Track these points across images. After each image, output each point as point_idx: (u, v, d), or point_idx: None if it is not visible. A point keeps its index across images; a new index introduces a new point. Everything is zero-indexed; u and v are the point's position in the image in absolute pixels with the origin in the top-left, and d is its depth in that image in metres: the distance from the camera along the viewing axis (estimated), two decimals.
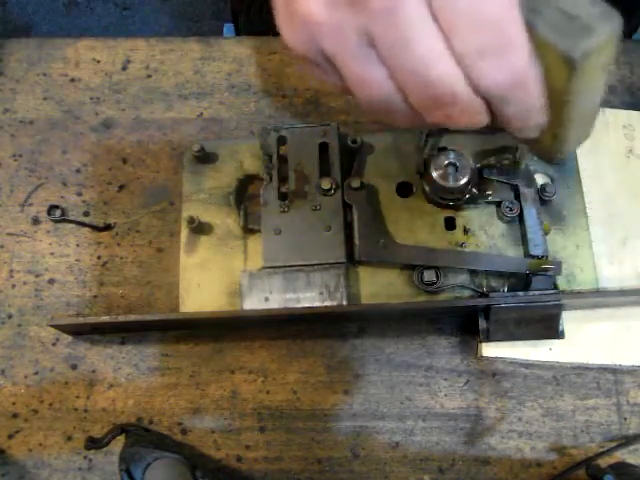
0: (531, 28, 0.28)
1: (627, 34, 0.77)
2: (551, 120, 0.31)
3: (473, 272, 0.47)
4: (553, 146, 0.33)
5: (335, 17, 0.28)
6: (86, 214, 0.52)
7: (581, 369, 0.49)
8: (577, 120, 0.32)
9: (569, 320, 0.47)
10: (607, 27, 0.28)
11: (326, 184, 0.47)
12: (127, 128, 0.55)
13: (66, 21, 1.47)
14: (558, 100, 0.30)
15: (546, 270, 0.46)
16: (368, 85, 0.31)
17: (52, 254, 0.51)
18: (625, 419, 0.48)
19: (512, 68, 0.28)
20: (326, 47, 0.30)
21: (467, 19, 0.27)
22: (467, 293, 0.47)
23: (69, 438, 0.48)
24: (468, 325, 0.49)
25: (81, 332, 0.49)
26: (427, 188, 0.48)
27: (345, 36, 0.29)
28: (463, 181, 0.46)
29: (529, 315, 0.45)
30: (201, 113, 0.55)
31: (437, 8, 0.27)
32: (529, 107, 0.30)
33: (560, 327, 0.46)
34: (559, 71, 0.28)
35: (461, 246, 0.47)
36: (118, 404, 0.48)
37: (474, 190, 0.47)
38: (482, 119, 0.31)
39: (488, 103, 0.30)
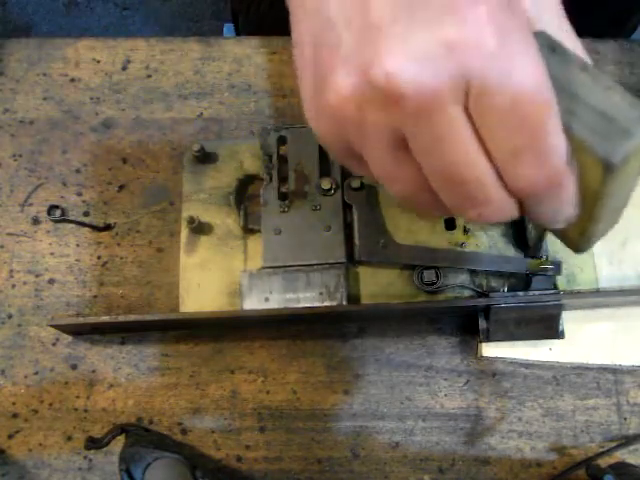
0: (567, 129, 0.27)
1: (627, 34, 0.77)
2: (581, 216, 0.31)
3: (473, 272, 0.47)
4: (580, 238, 0.33)
5: (366, 114, 0.27)
6: (86, 214, 0.52)
7: (581, 369, 0.49)
8: (607, 216, 0.31)
9: (569, 320, 0.47)
10: None
11: (326, 184, 0.47)
12: (127, 128, 0.55)
13: (66, 21, 1.47)
14: (591, 199, 0.29)
15: (546, 270, 0.46)
16: (398, 182, 0.30)
17: (52, 254, 0.51)
18: (625, 419, 0.48)
19: (548, 171, 0.27)
20: (355, 142, 0.29)
21: (504, 120, 0.26)
22: (467, 293, 0.47)
23: (69, 438, 0.48)
24: (468, 325, 0.49)
25: (81, 332, 0.49)
26: None
27: (375, 134, 0.27)
28: None
29: (529, 315, 0.45)
30: (201, 113, 0.55)
31: (473, 109, 0.26)
32: (562, 207, 0.30)
33: (560, 327, 0.46)
34: (594, 172, 0.28)
35: (461, 246, 0.47)
36: (118, 404, 0.48)
37: None
38: (514, 215, 0.31)
39: (520, 201, 0.30)
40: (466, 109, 0.26)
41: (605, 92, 0.28)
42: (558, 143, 0.27)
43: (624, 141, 0.27)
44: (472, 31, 0.25)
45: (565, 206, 0.30)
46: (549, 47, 0.28)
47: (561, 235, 0.34)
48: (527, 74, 0.25)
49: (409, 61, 0.25)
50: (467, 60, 0.25)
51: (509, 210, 0.30)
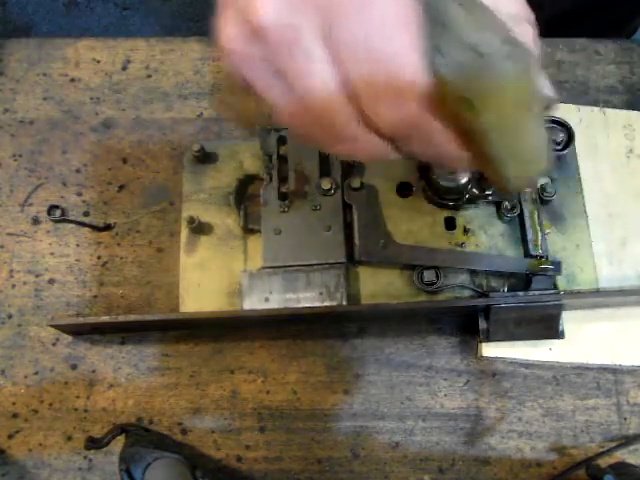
0: (432, 64, 0.27)
1: (627, 35, 0.77)
2: (479, 155, 0.30)
3: (473, 272, 0.47)
4: (499, 180, 0.32)
5: (247, 48, 0.29)
6: (86, 214, 0.52)
7: (581, 369, 0.49)
8: (506, 156, 0.30)
9: (569, 320, 0.47)
10: (514, 67, 0.26)
11: (326, 184, 0.47)
12: (127, 128, 0.55)
13: (66, 21, 1.47)
14: (475, 137, 0.28)
15: (546, 270, 0.46)
16: (282, 113, 0.31)
17: (52, 254, 0.51)
18: (625, 419, 0.48)
19: (405, 109, 0.28)
20: (245, 76, 0.30)
21: (359, 53, 0.27)
22: (467, 293, 0.47)
23: (69, 438, 0.48)
24: (468, 325, 0.49)
25: (81, 332, 0.49)
26: (427, 188, 0.48)
27: (256, 66, 0.29)
28: (463, 181, 0.46)
29: (529, 315, 0.45)
30: (201, 113, 0.55)
31: (333, 44, 0.27)
32: (435, 146, 0.30)
33: (560, 327, 0.46)
34: (461, 107, 0.27)
35: (461, 246, 0.47)
36: (118, 404, 0.48)
37: (474, 190, 0.47)
38: (388, 154, 0.31)
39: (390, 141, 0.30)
40: (329, 45, 0.27)
41: (478, 25, 0.27)
42: (414, 80, 0.27)
43: (484, 78, 0.26)
44: None
45: (438, 145, 0.30)
46: None
47: (490, 178, 0.33)
48: (386, 10, 0.26)
49: (274, 3, 0.27)
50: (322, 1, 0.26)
51: (378, 148, 0.30)
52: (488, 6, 0.28)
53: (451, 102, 0.27)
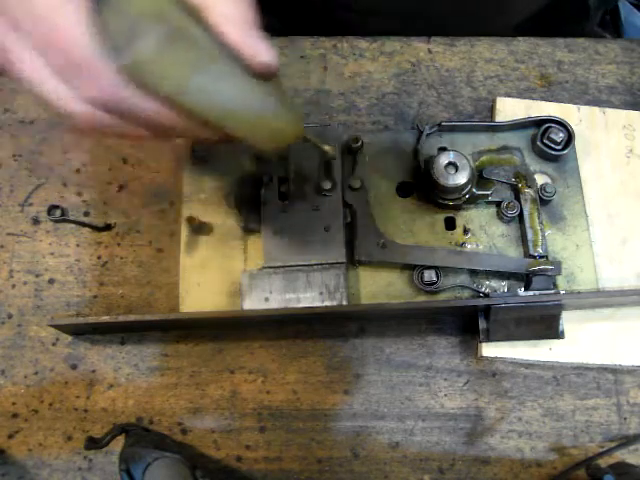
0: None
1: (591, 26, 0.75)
2: (206, 125, 0.33)
3: (473, 272, 0.47)
4: (247, 143, 0.35)
5: None
6: (86, 214, 0.52)
7: (581, 369, 0.49)
8: (230, 121, 0.33)
9: (569, 320, 0.47)
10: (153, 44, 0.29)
11: (326, 184, 0.47)
12: None
13: None
14: (183, 106, 0.31)
15: (546, 270, 0.46)
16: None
17: (52, 254, 0.51)
18: (625, 419, 0.48)
19: (99, 87, 0.30)
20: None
21: (37, 42, 0.29)
22: (467, 293, 0.47)
23: (69, 438, 0.48)
24: (468, 325, 0.49)
25: (81, 332, 0.49)
26: (427, 188, 0.48)
27: None
28: (463, 181, 0.46)
29: (529, 315, 0.45)
30: None
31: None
32: (151, 118, 0.32)
33: (560, 327, 0.46)
34: (150, 84, 0.30)
35: (461, 246, 0.47)
36: (118, 404, 0.48)
37: (474, 190, 0.47)
38: (107, 124, 0.32)
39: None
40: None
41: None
42: (96, 66, 0.29)
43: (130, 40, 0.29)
44: None
45: (153, 117, 0.32)
46: None
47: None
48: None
49: None
50: None
51: (96, 119, 0.32)
52: None
53: (136, 80, 0.30)
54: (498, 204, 0.48)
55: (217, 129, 0.33)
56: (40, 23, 0.29)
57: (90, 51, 0.29)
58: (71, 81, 0.30)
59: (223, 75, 0.32)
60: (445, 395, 0.48)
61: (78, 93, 0.31)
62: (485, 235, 0.48)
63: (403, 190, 0.49)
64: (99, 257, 0.51)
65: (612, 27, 0.83)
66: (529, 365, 0.49)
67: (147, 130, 0.33)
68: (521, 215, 0.47)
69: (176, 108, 0.32)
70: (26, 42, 0.30)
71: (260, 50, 0.32)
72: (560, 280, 0.47)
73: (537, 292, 0.45)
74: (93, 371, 0.49)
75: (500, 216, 0.48)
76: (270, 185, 0.48)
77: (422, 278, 0.46)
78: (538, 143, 0.49)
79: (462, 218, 0.48)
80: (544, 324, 0.46)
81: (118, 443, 0.44)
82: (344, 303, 0.45)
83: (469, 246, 0.47)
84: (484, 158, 0.49)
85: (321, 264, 0.46)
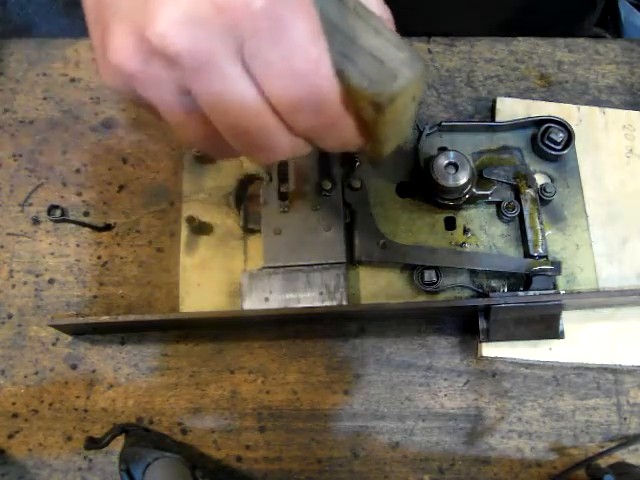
0: (340, 72, 0.29)
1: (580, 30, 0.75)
2: (368, 141, 0.34)
3: (473, 272, 0.47)
4: (374, 156, 0.36)
5: (149, 69, 0.28)
6: (86, 214, 0.52)
7: (581, 369, 0.49)
8: (390, 137, 0.34)
9: (569, 320, 0.47)
10: (410, 71, 0.30)
11: (326, 184, 0.47)
12: (127, 128, 0.55)
13: (66, 21, 1.47)
14: (372, 129, 0.32)
15: (546, 270, 0.46)
16: (189, 130, 0.31)
17: (52, 254, 0.51)
18: (625, 419, 0.48)
19: (324, 116, 0.29)
20: (143, 95, 0.29)
21: (278, 74, 0.27)
22: (467, 293, 0.47)
23: (69, 438, 0.48)
24: (468, 325, 0.49)
25: (81, 332, 0.49)
26: (427, 188, 0.48)
27: (161, 87, 0.28)
28: (463, 181, 0.46)
29: (529, 315, 0.45)
30: None
31: (249, 65, 0.27)
32: (343, 139, 0.32)
33: (560, 327, 0.46)
34: (369, 110, 0.30)
35: (461, 246, 0.47)
36: (118, 404, 0.48)
37: (474, 190, 0.47)
38: (302, 151, 0.33)
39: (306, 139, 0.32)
40: (245, 64, 0.27)
41: (376, 35, 0.30)
42: (331, 91, 0.29)
43: (390, 83, 0.30)
44: None
45: (346, 139, 0.32)
46: None
47: (360, 153, 0.38)
48: (297, 31, 0.27)
49: (180, 22, 0.26)
50: (236, 20, 0.26)
51: (296, 149, 0.32)
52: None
53: (359, 105, 0.30)
54: (498, 204, 0.48)
55: (374, 144, 0.34)
56: (294, 52, 0.27)
57: (333, 85, 0.29)
58: (300, 114, 0.29)
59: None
60: (445, 395, 0.48)
61: (298, 124, 0.30)
62: (485, 235, 0.48)
63: (403, 190, 0.49)
64: (99, 257, 0.51)
65: (612, 27, 0.83)
66: (529, 365, 0.49)
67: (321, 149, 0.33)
68: (521, 215, 0.47)
69: (368, 131, 0.32)
70: (264, 69, 0.28)
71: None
72: (560, 280, 0.47)
73: (537, 292, 0.45)
74: (93, 371, 0.49)
75: (500, 216, 0.48)
76: (270, 185, 0.48)
77: (422, 278, 0.46)
78: (538, 143, 0.49)
79: (462, 218, 0.48)
80: (544, 324, 0.46)
81: (118, 443, 0.44)
82: (344, 303, 0.45)
83: (469, 246, 0.47)
84: (484, 158, 0.49)
85: (321, 264, 0.46)
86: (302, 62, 0.27)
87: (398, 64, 0.30)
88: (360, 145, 0.34)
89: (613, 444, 0.47)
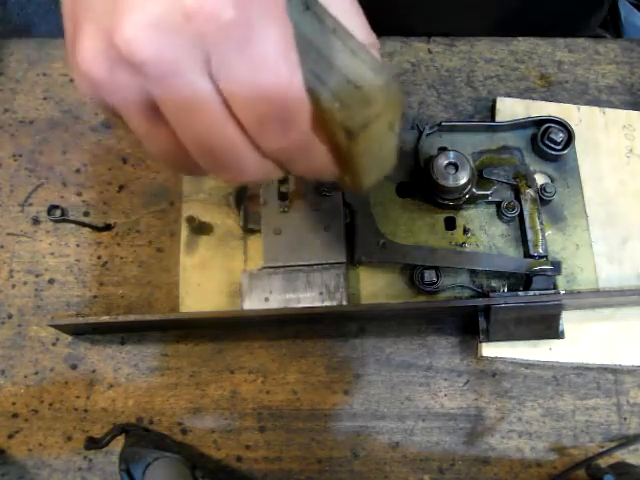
0: (312, 93, 0.28)
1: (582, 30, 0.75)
2: (344, 169, 0.32)
3: (473, 272, 0.47)
4: (354, 186, 0.34)
5: (115, 76, 0.26)
6: (86, 214, 0.52)
7: (581, 369, 0.49)
8: (368, 169, 0.32)
9: (569, 320, 0.47)
10: (386, 97, 0.28)
11: (326, 184, 0.47)
12: (127, 128, 0.55)
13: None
14: (345, 156, 0.30)
15: (546, 270, 0.46)
16: (154, 143, 0.30)
17: (52, 254, 0.51)
18: (625, 419, 0.48)
19: (293, 137, 0.28)
20: (109, 102, 0.28)
21: (245, 89, 0.26)
22: (467, 293, 0.47)
23: (69, 438, 0.48)
24: (468, 325, 0.49)
25: (81, 332, 0.49)
26: (427, 188, 0.48)
27: (126, 96, 0.27)
28: (463, 181, 0.46)
29: (529, 315, 0.45)
30: None
31: (217, 77, 0.26)
32: (316, 166, 0.31)
33: (560, 327, 0.46)
34: (340, 136, 0.29)
35: (461, 246, 0.47)
36: (118, 404, 0.48)
37: (474, 190, 0.47)
38: (272, 175, 0.31)
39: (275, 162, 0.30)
40: (213, 76, 0.26)
41: (352, 56, 0.28)
42: (300, 110, 0.27)
43: (363, 108, 0.28)
44: (209, 0, 0.24)
45: (318, 165, 0.31)
46: (303, 4, 0.28)
47: (340, 182, 0.35)
48: (268, 44, 0.26)
49: (148, 28, 0.25)
50: (204, 30, 0.25)
51: (264, 171, 0.30)
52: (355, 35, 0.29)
53: (331, 128, 0.28)
54: (498, 204, 0.48)
55: (349, 173, 0.33)
56: (263, 65, 0.26)
57: (303, 104, 0.27)
58: (268, 133, 0.28)
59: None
60: (445, 395, 0.48)
61: (265, 143, 0.28)
62: (485, 235, 0.48)
63: (403, 190, 0.49)
64: (99, 257, 0.51)
65: (612, 27, 0.83)
66: (529, 365, 0.49)
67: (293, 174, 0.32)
68: (521, 215, 0.47)
69: (341, 158, 0.31)
70: (229, 81, 0.26)
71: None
72: (560, 280, 0.47)
73: (537, 292, 0.45)
74: (93, 371, 0.49)
75: (500, 216, 0.48)
76: (270, 185, 0.48)
77: (422, 278, 0.46)
78: (538, 143, 0.49)
79: (462, 218, 0.48)
80: (544, 324, 0.46)
81: (118, 443, 0.44)
82: (344, 303, 0.45)
83: (469, 246, 0.47)
84: (484, 158, 0.49)
85: (321, 264, 0.46)
86: (271, 77, 0.26)
87: (373, 89, 0.28)
88: (336, 174, 0.32)
89: (613, 444, 0.47)
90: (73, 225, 0.51)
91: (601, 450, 0.46)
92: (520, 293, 0.46)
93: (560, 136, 0.49)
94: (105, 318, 0.45)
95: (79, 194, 0.53)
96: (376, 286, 0.47)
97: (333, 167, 0.31)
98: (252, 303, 0.45)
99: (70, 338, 0.50)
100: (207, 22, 0.25)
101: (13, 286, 0.51)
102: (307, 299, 0.45)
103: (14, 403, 0.48)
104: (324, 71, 0.28)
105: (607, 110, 0.53)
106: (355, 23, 0.30)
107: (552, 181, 0.49)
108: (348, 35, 0.29)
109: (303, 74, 0.27)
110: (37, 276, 0.51)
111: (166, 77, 0.26)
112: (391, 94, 0.29)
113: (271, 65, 0.26)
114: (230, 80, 0.26)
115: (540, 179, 0.49)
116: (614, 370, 0.48)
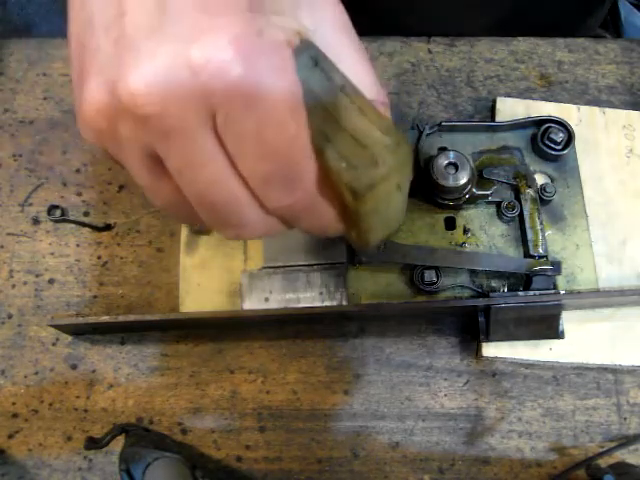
0: (319, 151, 0.27)
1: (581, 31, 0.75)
2: (350, 226, 0.31)
3: (473, 272, 0.47)
4: (357, 242, 0.33)
5: (118, 128, 0.26)
6: (86, 214, 0.52)
7: (581, 369, 0.49)
8: (374, 228, 0.32)
9: (569, 320, 0.47)
10: (394, 159, 0.28)
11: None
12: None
13: (66, 21, 1.46)
14: (352, 215, 0.30)
15: (546, 270, 0.46)
16: (157, 195, 0.30)
17: (52, 254, 0.51)
18: (625, 419, 0.48)
19: (298, 196, 0.28)
20: (112, 151, 0.28)
21: (251, 146, 0.26)
22: (467, 293, 0.47)
23: (69, 438, 0.48)
24: (468, 325, 0.49)
25: (81, 332, 0.49)
26: (427, 188, 0.48)
27: (129, 148, 0.27)
28: (463, 181, 0.46)
29: (529, 315, 0.45)
30: None
31: (222, 133, 0.26)
32: (321, 224, 0.30)
33: (560, 327, 0.46)
34: (347, 195, 0.28)
35: (461, 246, 0.47)
36: (118, 404, 0.48)
37: (474, 190, 0.47)
38: (276, 230, 0.31)
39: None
40: (217, 132, 0.26)
41: (360, 115, 0.27)
42: (306, 170, 0.27)
43: (370, 170, 0.27)
44: (216, 56, 0.24)
45: (324, 223, 0.30)
46: (312, 60, 0.27)
47: (346, 237, 0.34)
48: (275, 101, 0.25)
49: (153, 82, 0.24)
50: (211, 85, 0.24)
51: (268, 228, 0.30)
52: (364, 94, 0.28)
53: (337, 188, 0.28)
54: (498, 204, 0.48)
55: (356, 231, 0.32)
56: (270, 124, 0.25)
57: (309, 164, 0.27)
58: (273, 191, 0.27)
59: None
60: (445, 395, 0.48)
61: (270, 201, 0.28)
62: (485, 235, 0.48)
63: None
64: (99, 257, 0.51)
65: (612, 27, 0.83)
66: (529, 365, 0.49)
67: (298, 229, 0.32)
68: (521, 215, 0.47)
69: (348, 217, 0.30)
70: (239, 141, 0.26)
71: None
72: (560, 280, 0.47)
73: (537, 292, 0.45)
74: (93, 371, 0.49)
75: (500, 216, 0.48)
76: None
77: (422, 278, 0.46)
78: (538, 143, 0.49)
79: (462, 218, 0.48)
80: (544, 324, 0.46)
81: (118, 443, 0.44)
82: (344, 303, 0.45)
83: (469, 246, 0.47)
84: (484, 158, 0.49)
85: (321, 264, 0.46)
86: (278, 136, 0.25)
87: (381, 149, 0.27)
88: (342, 231, 0.32)
89: (613, 444, 0.47)
90: (73, 225, 0.51)
91: (601, 450, 0.46)
92: (520, 293, 0.46)
93: (560, 136, 0.49)
94: (105, 318, 0.45)
95: (79, 194, 0.53)
96: (376, 286, 0.47)
97: (339, 224, 0.31)
98: (252, 303, 0.45)
99: (70, 338, 0.50)
100: (214, 78, 0.24)
101: (13, 286, 0.51)
102: (307, 299, 0.45)
103: (14, 403, 0.48)
104: (331, 129, 0.27)
105: (607, 110, 0.53)
106: (365, 80, 0.30)
107: (552, 181, 0.49)
108: (357, 93, 0.28)
109: (310, 132, 0.26)
110: (37, 276, 0.51)
111: (170, 133, 0.25)
112: (400, 155, 0.28)
113: (278, 122, 0.25)
114: (235, 136, 0.26)
115: (540, 179, 0.49)
116: (614, 370, 0.48)
